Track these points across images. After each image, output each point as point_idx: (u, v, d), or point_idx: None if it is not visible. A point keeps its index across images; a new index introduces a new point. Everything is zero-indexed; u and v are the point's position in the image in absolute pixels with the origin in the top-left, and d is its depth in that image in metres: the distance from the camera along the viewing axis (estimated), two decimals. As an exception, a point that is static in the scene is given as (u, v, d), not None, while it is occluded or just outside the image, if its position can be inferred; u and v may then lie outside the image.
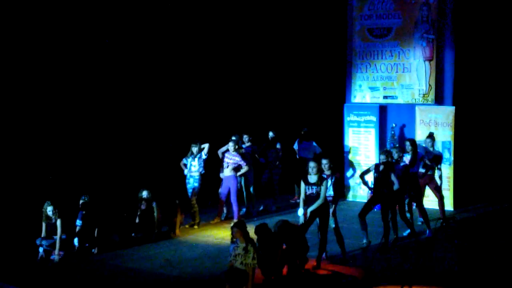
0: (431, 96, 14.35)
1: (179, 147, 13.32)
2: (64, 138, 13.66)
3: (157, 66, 15.29)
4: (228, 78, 16.45)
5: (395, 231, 11.22)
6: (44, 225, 10.65)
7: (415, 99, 14.52)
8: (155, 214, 11.62)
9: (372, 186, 11.16)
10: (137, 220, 11.58)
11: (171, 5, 15.46)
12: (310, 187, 9.90)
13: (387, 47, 14.80)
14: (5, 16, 12.92)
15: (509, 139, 14.87)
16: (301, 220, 9.92)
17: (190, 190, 12.66)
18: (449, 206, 13.57)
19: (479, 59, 14.73)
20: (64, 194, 11.86)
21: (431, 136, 12.68)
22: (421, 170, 12.15)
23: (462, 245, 11.00)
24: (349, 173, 15.03)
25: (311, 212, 9.87)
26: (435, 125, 14.03)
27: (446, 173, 13.54)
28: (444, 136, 13.94)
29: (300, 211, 9.95)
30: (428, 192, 12.80)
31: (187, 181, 12.72)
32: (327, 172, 10.22)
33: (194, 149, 12.63)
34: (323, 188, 9.82)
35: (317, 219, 9.98)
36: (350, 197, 15.03)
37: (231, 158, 12.70)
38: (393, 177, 10.74)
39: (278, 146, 14.15)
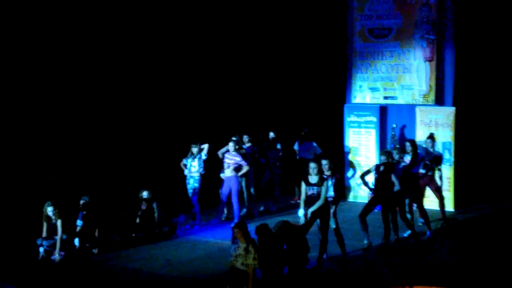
0: (432, 96, 14.35)
1: (180, 148, 13.32)
2: (64, 139, 13.65)
3: (157, 66, 15.29)
4: (228, 79, 16.44)
5: (396, 231, 11.22)
6: (44, 225, 10.66)
7: (416, 100, 14.51)
8: (156, 214, 11.62)
9: (373, 187, 11.15)
10: (137, 221, 11.58)
11: (171, 5, 15.46)
12: (311, 188, 9.89)
13: (388, 48, 14.79)
14: (5, 16, 12.92)
15: (509, 140, 14.85)
16: (302, 220, 9.92)
17: (190, 191, 12.67)
18: (449, 207, 13.55)
19: (480, 60, 14.71)
20: (65, 195, 11.87)
21: (431, 136, 12.68)
22: (422, 170, 12.16)
23: (463, 245, 11.01)
24: (349, 173, 15.02)
25: (312, 213, 9.86)
26: (435, 126, 14.02)
27: (446, 174, 13.54)
28: (445, 136, 13.93)
29: (301, 212, 9.95)
30: (429, 193, 12.79)
31: (187, 181, 12.73)
32: (327, 173, 10.23)
33: (194, 150, 12.64)
34: (323, 188, 9.82)
35: (318, 220, 9.98)
36: (350, 198, 15.02)
37: (231, 159, 12.69)
38: (393, 178, 10.75)
39: (278, 146, 14.16)
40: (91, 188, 11.98)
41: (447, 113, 14.03)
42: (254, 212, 13.53)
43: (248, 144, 13.62)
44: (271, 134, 14.21)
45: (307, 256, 9.62)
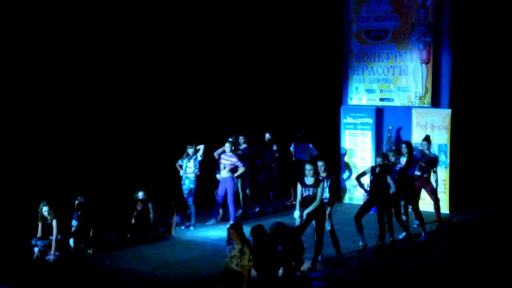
0: (428, 98, 14.36)
1: (175, 148, 13.32)
2: (60, 139, 13.63)
3: (155, 67, 15.28)
4: (225, 80, 16.45)
5: (391, 233, 11.23)
6: (40, 225, 10.62)
7: (412, 102, 14.53)
8: (151, 215, 11.60)
9: (368, 189, 11.15)
10: (133, 221, 11.57)
11: (171, 6, 15.46)
12: (306, 189, 9.89)
13: (384, 50, 14.80)
14: (5, 16, 12.90)
15: (505, 142, 14.88)
16: (297, 222, 9.91)
17: (185, 191, 12.65)
18: (444, 209, 13.56)
19: (476, 62, 14.74)
20: (60, 195, 11.84)
21: (427, 138, 12.70)
22: (417, 172, 12.17)
23: (459, 247, 11.02)
24: (345, 175, 15.01)
25: (307, 214, 9.86)
26: (431, 128, 14.02)
27: (442, 176, 13.55)
28: (440, 139, 13.94)
29: (297, 213, 9.94)
30: (424, 195, 12.81)
31: (182, 182, 12.71)
32: (323, 174, 10.24)
33: (190, 151, 12.62)
34: (319, 190, 9.82)
35: (313, 221, 9.98)
36: (346, 200, 15.02)
37: (227, 160, 12.68)
38: (389, 180, 10.75)
39: (274, 147, 14.16)
40: (87, 188, 11.95)
41: (443, 115, 14.05)
42: (250, 213, 13.53)
43: (244, 145, 13.63)
44: (267, 135, 14.23)
45: (302, 258, 9.64)
